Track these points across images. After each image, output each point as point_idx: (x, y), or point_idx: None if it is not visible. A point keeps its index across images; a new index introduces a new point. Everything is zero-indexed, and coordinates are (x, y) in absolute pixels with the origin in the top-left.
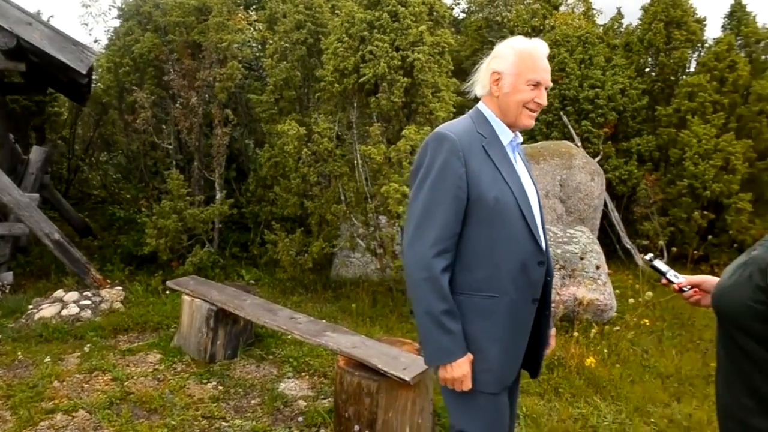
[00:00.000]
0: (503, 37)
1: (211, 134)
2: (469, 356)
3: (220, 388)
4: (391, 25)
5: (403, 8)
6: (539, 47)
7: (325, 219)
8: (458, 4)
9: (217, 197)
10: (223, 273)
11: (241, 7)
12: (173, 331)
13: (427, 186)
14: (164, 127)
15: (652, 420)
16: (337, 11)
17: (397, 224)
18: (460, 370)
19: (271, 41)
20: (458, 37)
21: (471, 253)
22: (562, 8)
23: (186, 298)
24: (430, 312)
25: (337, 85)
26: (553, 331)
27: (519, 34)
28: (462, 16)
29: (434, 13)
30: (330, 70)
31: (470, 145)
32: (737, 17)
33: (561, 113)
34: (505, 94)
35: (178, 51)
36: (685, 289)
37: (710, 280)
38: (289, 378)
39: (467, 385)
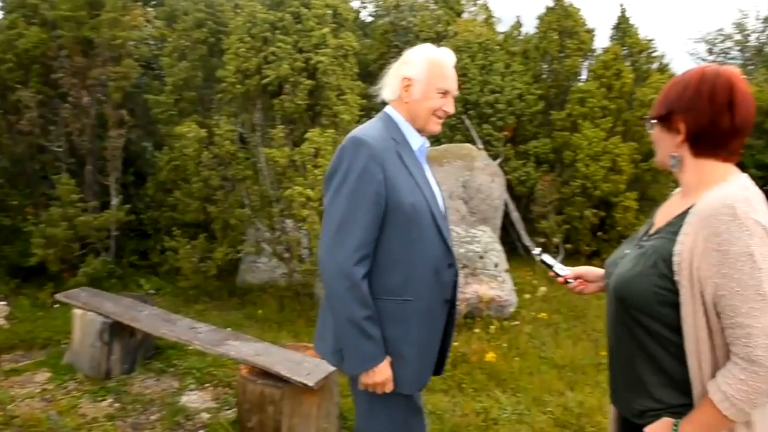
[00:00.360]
0: (408, 42)
1: (106, 136)
2: (389, 359)
3: (117, 405)
4: (294, 27)
5: (306, 10)
6: (448, 56)
7: (229, 224)
8: (365, 7)
9: (113, 203)
10: (120, 283)
11: (139, 3)
12: (64, 348)
13: (346, 191)
14: (53, 128)
15: (549, 409)
16: (238, 10)
17: (302, 228)
18: (382, 374)
19: (170, 39)
20: (365, 40)
21: (387, 258)
22: (464, 15)
23: (77, 311)
24: (352, 319)
25: (239, 86)
26: None
27: (424, 39)
28: (369, 19)
29: (338, 15)
30: (232, 71)
31: (386, 151)
32: (622, 29)
33: (463, 117)
34: (416, 101)
35: (67, 47)
36: (570, 280)
37: (592, 271)
38: (191, 390)
39: (389, 387)
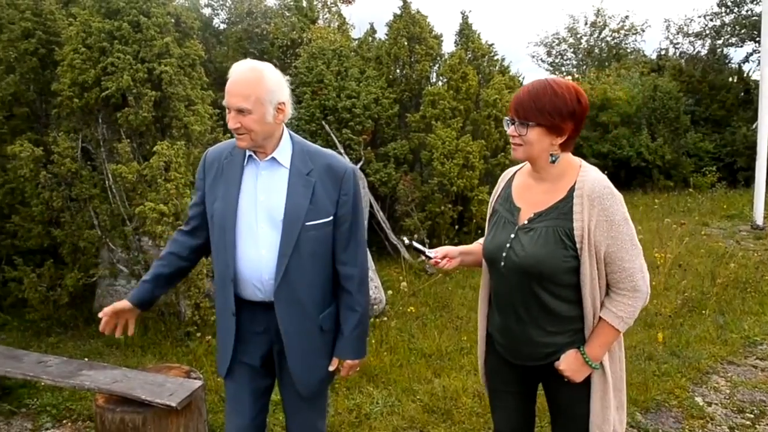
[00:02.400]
0: (263, 50)
1: None
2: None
3: None
4: (134, 36)
5: (146, 18)
6: (235, 70)
7: (78, 247)
8: (217, 14)
9: None
10: None
11: None
12: None
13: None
14: None
15: (418, 397)
16: (71, 19)
17: (160, 245)
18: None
19: None
20: (219, 48)
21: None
22: (319, 22)
23: None
24: None
25: (77, 99)
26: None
27: (279, 46)
28: (223, 26)
29: (183, 24)
30: (67, 84)
31: (213, 162)
32: (466, 35)
33: (323, 123)
34: None
35: None
36: (439, 260)
37: (453, 249)
38: (47, 430)
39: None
